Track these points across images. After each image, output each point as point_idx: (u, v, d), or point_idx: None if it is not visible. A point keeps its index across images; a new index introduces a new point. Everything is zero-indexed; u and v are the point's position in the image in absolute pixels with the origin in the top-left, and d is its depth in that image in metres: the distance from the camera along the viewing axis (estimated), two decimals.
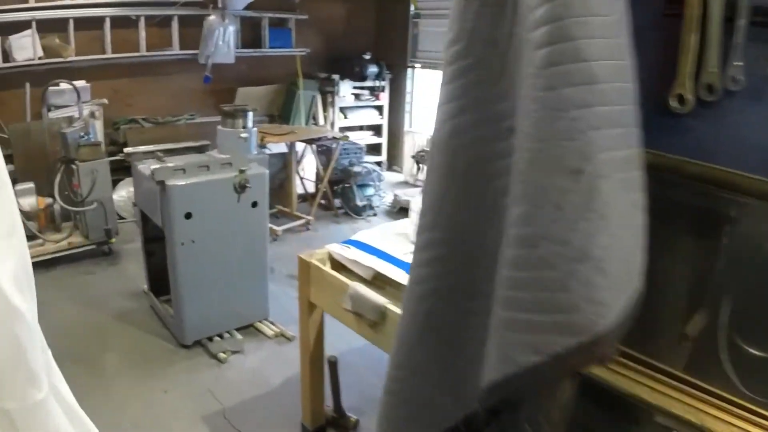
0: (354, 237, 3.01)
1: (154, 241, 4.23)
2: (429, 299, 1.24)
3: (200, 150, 4.51)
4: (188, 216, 3.79)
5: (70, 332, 4.57)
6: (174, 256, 3.89)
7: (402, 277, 2.47)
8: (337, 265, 2.82)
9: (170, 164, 3.72)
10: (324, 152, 7.07)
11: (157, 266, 4.42)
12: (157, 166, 3.67)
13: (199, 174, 3.79)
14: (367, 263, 2.63)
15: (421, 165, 7.02)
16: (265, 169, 4.09)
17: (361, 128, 8.98)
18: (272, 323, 4.59)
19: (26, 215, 5.49)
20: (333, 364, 3.14)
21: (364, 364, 3.95)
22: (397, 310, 2.29)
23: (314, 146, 6.88)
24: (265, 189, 4.09)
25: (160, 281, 4.48)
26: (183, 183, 3.70)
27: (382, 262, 2.64)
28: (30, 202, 5.57)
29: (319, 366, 3.09)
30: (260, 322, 4.52)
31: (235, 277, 4.24)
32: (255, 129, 4.23)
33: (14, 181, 6.12)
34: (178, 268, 3.94)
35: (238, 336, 4.42)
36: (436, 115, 1.23)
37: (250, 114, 4.20)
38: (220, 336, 4.32)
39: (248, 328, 4.52)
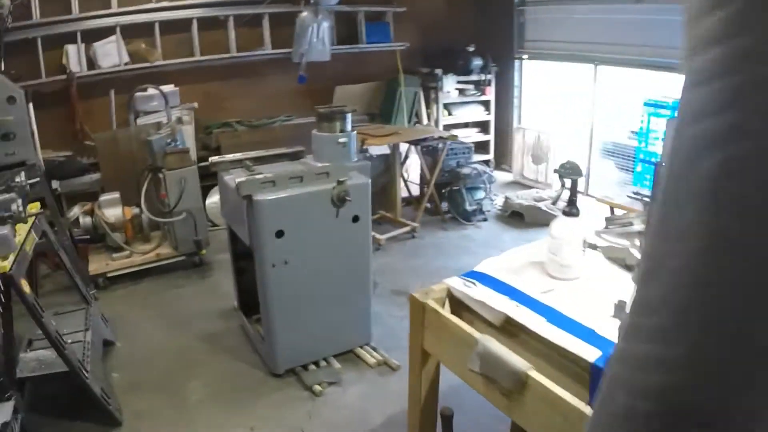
0: (478, 268, 2.50)
1: (245, 257, 3.85)
2: None
3: (294, 157, 4.11)
4: (280, 234, 3.38)
5: (153, 356, 4.27)
6: (264, 279, 3.49)
7: (541, 324, 1.94)
8: (457, 302, 2.31)
9: (258, 176, 3.32)
10: (429, 153, 6.56)
11: (249, 284, 4.03)
12: (243, 178, 3.27)
13: (292, 186, 3.38)
14: (497, 306, 2.10)
15: (565, 180, 6.30)
16: (366, 178, 3.63)
17: (466, 125, 8.44)
18: (374, 349, 4.12)
19: (112, 227, 5.29)
20: (448, 419, 2.62)
21: (488, 415, 3.28)
22: (542, 379, 1.76)
23: (419, 147, 6.40)
24: (367, 201, 3.64)
25: (251, 299, 4.10)
26: (273, 197, 3.29)
27: (516, 305, 2.10)
28: (116, 213, 5.37)
29: (430, 421, 2.58)
30: (361, 347, 4.10)
31: (333, 300, 3.80)
32: (354, 133, 3.78)
33: (101, 191, 6.01)
34: (269, 292, 3.54)
35: (336, 364, 3.98)
36: (678, 137, 0.64)
37: (349, 116, 3.76)
38: (316, 364, 3.93)
39: (347, 354, 4.09)
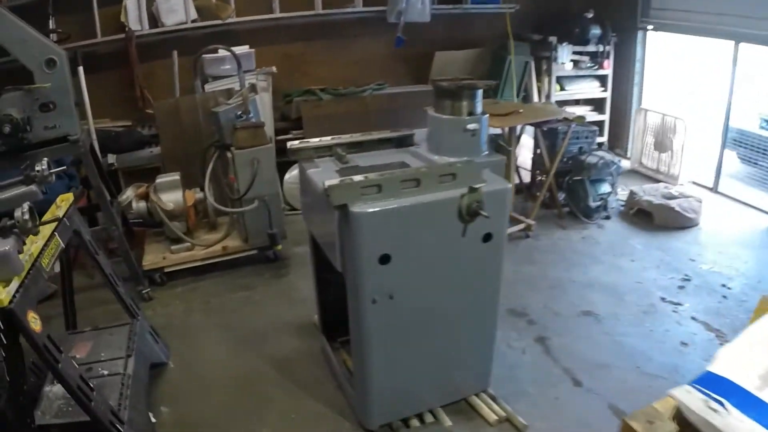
0: (719, 368, 1.47)
1: (331, 267, 2.85)
2: None
3: (401, 143, 3.09)
4: (385, 260, 2.41)
5: (212, 385, 3.41)
6: (360, 317, 2.54)
7: None
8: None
9: (357, 177, 2.31)
10: (548, 136, 5.45)
11: (333, 299, 3.14)
12: (335, 180, 2.29)
13: (404, 193, 2.37)
14: None
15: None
16: (505, 182, 2.59)
17: (577, 102, 7.24)
18: (494, 399, 3.13)
19: (170, 214, 4.43)
20: None
21: None
22: None
23: (539, 129, 5.29)
24: (504, 214, 2.63)
25: (335, 317, 3.22)
26: (378, 209, 2.29)
27: None
28: (175, 198, 4.50)
29: None
30: (477, 396, 3.17)
31: (448, 339, 2.85)
32: (486, 117, 2.71)
33: (160, 169, 5.16)
34: (366, 333, 2.59)
35: (446, 420, 3.01)
36: None
37: (480, 93, 2.69)
38: (420, 418, 3.03)
39: (459, 404, 3.14)
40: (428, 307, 2.65)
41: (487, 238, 2.58)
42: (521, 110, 4.96)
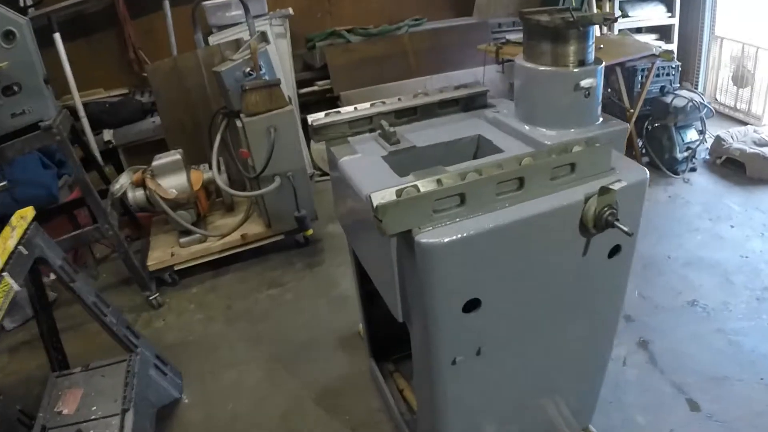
0: None
1: None
2: None
3: (470, 105, 2.17)
4: (472, 306, 1.53)
5: (239, 429, 2.63)
6: (434, 381, 1.69)
7: None
8: None
9: (425, 184, 1.39)
10: (624, 73, 4.44)
11: (382, 315, 2.25)
12: (386, 195, 1.36)
13: (500, 201, 1.46)
14: None
15: None
16: (639, 168, 1.65)
17: (639, 30, 6.11)
18: None
19: (174, 203, 3.61)
20: None
21: None
22: None
23: (619, 67, 4.29)
24: (638, 215, 1.68)
25: (386, 334, 2.53)
26: (463, 235, 1.39)
27: None
28: (177, 182, 3.66)
29: None
30: None
31: (549, 383, 2.02)
32: (602, 68, 1.73)
33: (161, 147, 4.31)
34: (442, 400, 1.75)
35: None
36: None
37: (593, 32, 1.72)
38: None
39: None
40: (527, 352, 1.79)
41: (615, 251, 1.69)
42: (601, 45, 3.94)
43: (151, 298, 3.57)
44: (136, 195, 3.60)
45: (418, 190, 1.37)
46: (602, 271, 1.73)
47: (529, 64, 1.77)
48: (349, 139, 2.00)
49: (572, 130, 1.77)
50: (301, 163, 3.72)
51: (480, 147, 1.93)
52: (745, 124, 5.27)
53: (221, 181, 3.69)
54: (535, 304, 1.68)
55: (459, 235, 1.38)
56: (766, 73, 5.17)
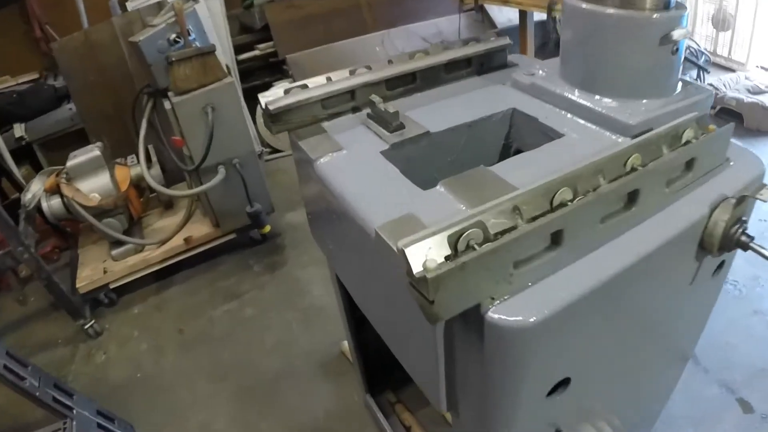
0: None
1: None
2: None
3: (486, 64, 1.53)
4: (560, 386, 0.93)
5: None
6: None
7: None
8: None
9: (492, 217, 0.78)
10: None
11: (374, 341, 1.65)
12: (432, 245, 0.73)
13: (604, 228, 0.86)
14: None
15: None
16: (753, 158, 1.07)
17: None
18: None
19: (98, 209, 2.93)
20: None
21: None
22: None
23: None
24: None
25: (382, 362, 1.97)
26: (564, 303, 0.79)
27: None
28: (100, 183, 2.96)
29: None
30: None
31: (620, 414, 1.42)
32: (687, 14, 1.15)
33: (85, 138, 3.57)
34: None
35: None
36: None
37: None
38: None
39: None
40: (605, 398, 1.22)
41: (719, 267, 1.12)
42: None
43: (86, 326, 2.91)
44: (51, 204, 2.88)
45: (490, 234, 0.76)
46: (703, 292, 1.19)
47: (589, 6, 1.15)
48: (325, 125, 1.36)
49: (645, 101, 1.17)
50: (248, 147, 3.06)
51: (517, 127, 1.32)
52: (730, 70, 4.78)
53: (152, 177, 3.00)
54: (626, 353, 1.11)
55: (557, 304, 0.78)
56: (749, 15, 4.64)
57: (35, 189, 2.92)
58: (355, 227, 1.03)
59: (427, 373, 1.02)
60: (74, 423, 2.05)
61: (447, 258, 0.73)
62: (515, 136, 1.33)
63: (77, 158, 2.92)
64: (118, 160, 3.17)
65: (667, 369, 1.45)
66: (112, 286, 3.08)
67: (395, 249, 0.76)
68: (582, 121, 1.20)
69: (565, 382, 0.95)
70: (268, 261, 3.23)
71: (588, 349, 0.95)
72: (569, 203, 0.82)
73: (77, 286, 2.98)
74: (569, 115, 1.23)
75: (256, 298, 2.98)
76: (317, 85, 1.36)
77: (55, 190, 2.90)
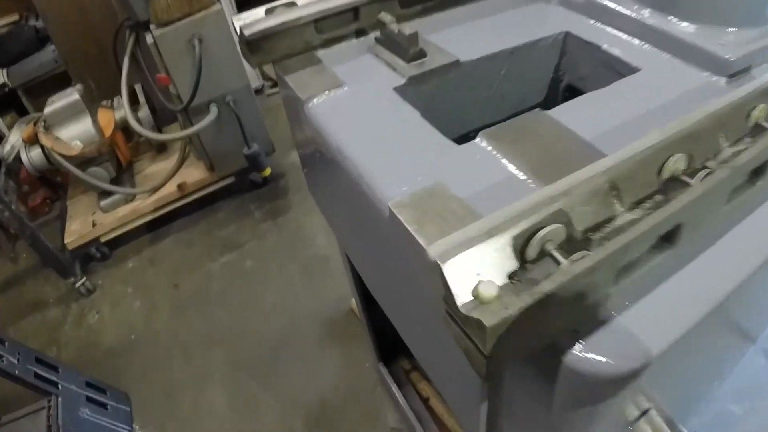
0: None
1: None
2: None
3: None
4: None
5: None
6: None
7: None
8: None
9: (574, 205, 0.49)
10: None
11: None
12: (485, 267, 0.45)
13: (727, 211, 0.57)
14: None
15: None
16: None
17: None
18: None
19: (81, 159, 2.65)
20: None
21: None
22: None
23: None
24: None
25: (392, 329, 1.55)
26: (686, 327, 0.50)
27: None
28: (81, 130, 2.66)
29: None
30: None
31: None
32: None
33: (67, 81, 3.22)
34: None
35: None
36: None
37: None
38: None
39: None
40: None
41: None
42: None
43: (77, 285, 2.67)
44: (32, 156, 2.60)
45: (576, 232, 0.46)
46: None
47: None
48: (320, 54, 1.04)
49: (732, 29, 0.85)
50: (242, 82, 2.73)
51: (570, 56, 1.00)
52: None
53: (136, 120, 2.69)
54: (712, 354, 0.84)
55: (673, 335, 0.49)
56: None
57: (13, 140, 2.63)
58: (360, 197, 0.73)
59: (463, 406, 0.74)
60: (60, 400, 1.84)
61: (512, 277, 0.44)
62: (567, 67, 1.02)
63: (55, 104, 2.61)
64: (104, 102, 2.86)
65: (738, 356, 1.17)
66: (103, 240, 2.82)
67: (425, 251, 0.46)
68: (660, 52, 0.87)
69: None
70: (269, 206, 2.95)
71: (682, 370, 0.67)
72: (685, 178, 0.52)
73: (66, 241, 2.73)
74: (642, 44, 0.90)
75: (256, 248, 2.71)
76: (309, 1, 1.03)
77: (34, 141, 2.60)
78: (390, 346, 1.90)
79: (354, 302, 2.18)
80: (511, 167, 0.68)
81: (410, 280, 0.73)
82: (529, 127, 0.74)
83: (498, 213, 0.48)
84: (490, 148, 0.72)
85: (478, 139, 0.73)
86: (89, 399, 1.98)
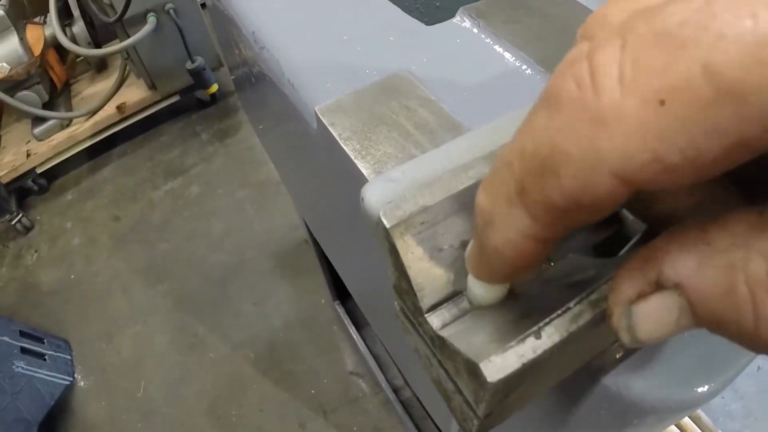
0: None
1: None
2: None
3: None
4: None
5: (156, 417, 1.64)
6: None
7: None
8: None
9: None
10: None
11: None
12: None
13: None
14: None
15: None
16: None
17: None
18: None
19: (10, 82, 2.30)
20: None
21: None
22: None
23: None
24: None
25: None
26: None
27: None
28: (8, 51, 2.30)
29: None
30: None
31: None
32: None
33: None
34: None
35: None
36: None
37: None
38: None
39: None
40: None
41: None
42: None
43: (13, 222, 2.36)
44: None
45: None
46: None
47: None
48: None
49: None
50: None
51: None
52: None
53: (67, 36, 2.32)
54: None
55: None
56: None
57: None
58: (286, 106, 0.47)
59: (432, 401, 0.51)
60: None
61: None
62: None
63: None
64: (36, 19, 2.47)
65: None
66: (39, 171, 2.50)
67: (365, 195, 0.21)
68: None
69: None
70: (218, 127, 2.64)
71: None
72: None
73: None
74: None
75: (203, 173, 2.43)
76: None
77: None
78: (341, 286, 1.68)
79: (306, 234, 1.95)
80: (508, 56, 0.43)
81: (352, 229, 0.48)
82: (532, 1, 0.48)
83: (493, 124, 0.23)
84: (476, 30, 0.46)
85: (457, 18, 0.47)
86: (24, 350, 1.73)
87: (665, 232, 0.17)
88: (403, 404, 1.46)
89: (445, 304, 0.21)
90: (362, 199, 0.25)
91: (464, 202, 0.22)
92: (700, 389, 0.30)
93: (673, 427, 1.18)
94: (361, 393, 1.60)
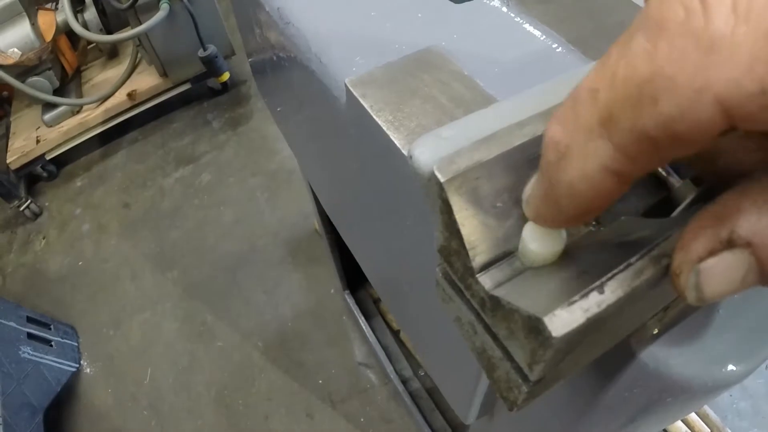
0: None
1: None
2: None
3: None
4: None
5: (166, 397, 1.64)
6: None
7: None
8: None
9: None
10: None
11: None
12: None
13: None
14: None
15: None
16: None
17: None
18: None
19: (23, 69, 2.31)
20: None
21: None
22: None
23: None
24: None
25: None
26: None
27: None
28: (20, 36, 2.31)
29: None
30: None
31: None
32: None
33: None
34: None
35: None
36: None
37: None
38: None
39: None
40: None
41: None
42: None
43: (22, 208, 2.37)
44: None
45: None
46: None
47: None
48: None
49: None
50: None
51: None
52: None
53: (79, 23, 2.32)
54: None
55: None
56: None
57: None
58: (311, 81, 0.47)
59: (451, 382, 0.50)
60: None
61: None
62: None
63: None
64: (48, 4, 2.48)
65: None
66: (49, 157, 2.51)
67: (410, 156, 0.21)
68: None
69: None
70: (229, 115, 2.65)
71: None
72: None
73: (8, 161, 2.40)
74: None
75: (214, 161, 2.43)
76: None
77: None
78: (357, 273, 1.68)
79: (316, 224, 1.95)
80: (539, 35, 0.42)
81: (381, 203, 0.48)
82: None
83: (546, 84, 0.23)
84: (504, 8, 0.45)
85: None
86: (31, 336, 1.74)
87: (734, 188, 0.16)
88: (412, 396, 1.46)
89: (497, 264, 0.21)
90: (410, 156, 0.24)
91: (520, 158, 0.21)
92: (734, 367, 0.29)
93: (682, 425, 1.17)
94: (369, 384, 1.60)
